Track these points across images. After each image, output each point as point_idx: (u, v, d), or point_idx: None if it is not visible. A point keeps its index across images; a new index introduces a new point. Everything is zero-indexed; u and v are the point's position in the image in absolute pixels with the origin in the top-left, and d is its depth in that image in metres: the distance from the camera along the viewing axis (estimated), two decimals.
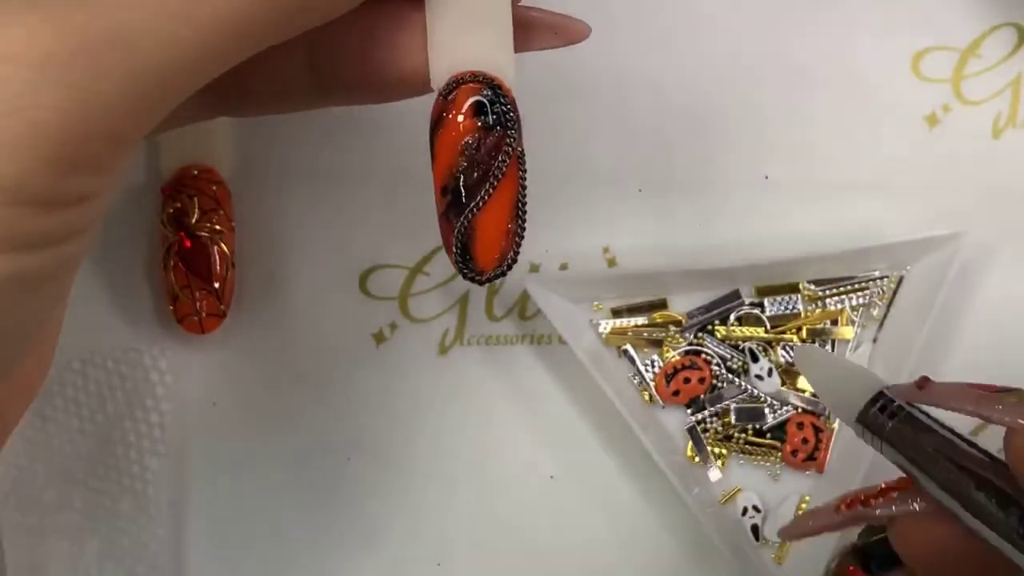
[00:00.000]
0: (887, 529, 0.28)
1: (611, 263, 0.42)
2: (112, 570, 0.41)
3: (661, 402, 0.41)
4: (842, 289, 0.41)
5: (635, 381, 0.42)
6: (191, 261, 0.40)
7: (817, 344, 0.41)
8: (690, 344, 0.42)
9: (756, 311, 0.41)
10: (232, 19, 0.21)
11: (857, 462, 0.39)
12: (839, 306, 0.41)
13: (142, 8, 0.20)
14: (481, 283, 0.25)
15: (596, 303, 0.42)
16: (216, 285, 0.40)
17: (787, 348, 0.41)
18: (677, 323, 0.41)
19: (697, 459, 0.41)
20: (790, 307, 0.41)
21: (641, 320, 0.42)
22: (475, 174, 0.24)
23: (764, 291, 0.41)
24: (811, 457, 0.41)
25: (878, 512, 0.28)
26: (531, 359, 0.42)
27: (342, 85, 0.28)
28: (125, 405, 0.42)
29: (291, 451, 0.42)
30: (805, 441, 0.41)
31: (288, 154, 0.42)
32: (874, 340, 0.41)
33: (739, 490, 0.41)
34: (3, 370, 0.23)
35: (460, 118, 0.24)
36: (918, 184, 0.41)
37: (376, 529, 0.42)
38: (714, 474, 0.41)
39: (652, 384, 0.41)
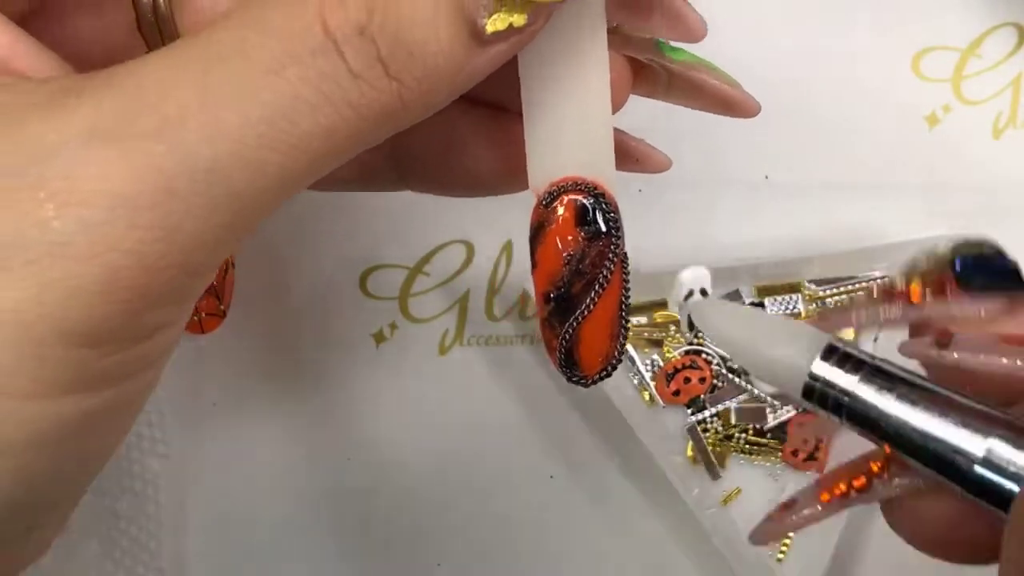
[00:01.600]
0: (882, 509, 0.23)
1: None
2: (112, 570, 0.41)
3: (661, 402, 0.41)
4: (842, 289, 0.41)
5: (635, 381, 0.42)
6: None
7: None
8: (690, 344, 0.42)
9: None
10: (318, 137, 0.19)
11: None
12: (839, 306, 0.41)
13: (227, 135, 0.18)
14: (586, 386, 0.25)
15: None
16: (216, 285, 0.40)
17: None
18: (677, 323, 0.41)
19: (697, 459, 0.41)
20: (790, 307, 0.41)
21: (641, 320, 0.42)
22: (580, 283, 0.23)
23: (764, 291, 0.41)
24: (811, 457, 0.40)
25: (880, 498, 0.22)
26: (531, 359, 0.42)
27: (427, 182, 0.27)
28: None
29: (291, 451, 0.42)
30: (805, 441, 0.40)
31: None
32: (875, 340, 0.41)
33: (739, 490, 0.41)
34: (69, 510, 0.22)
35: (563, 227, 0.23)
36: (918, 184, 0.41)
37: (376, 529, 0.42)
38: (714, 474, 0.41)
39: (652, 384, 0.41)
